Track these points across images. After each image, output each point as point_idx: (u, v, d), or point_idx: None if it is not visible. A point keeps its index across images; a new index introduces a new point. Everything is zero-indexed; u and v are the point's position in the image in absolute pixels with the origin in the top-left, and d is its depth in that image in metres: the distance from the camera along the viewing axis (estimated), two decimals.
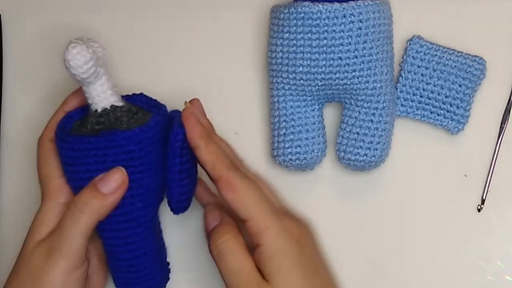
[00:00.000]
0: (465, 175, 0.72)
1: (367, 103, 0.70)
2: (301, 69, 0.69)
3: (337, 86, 0.69)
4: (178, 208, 0.66)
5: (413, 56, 0.72)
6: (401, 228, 0.72)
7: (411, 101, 0.72)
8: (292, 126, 0.70)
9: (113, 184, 0.64)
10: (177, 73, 0.75)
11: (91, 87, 0.64)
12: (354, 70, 0.68)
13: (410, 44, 0.72)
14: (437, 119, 0.72)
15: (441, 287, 0.72)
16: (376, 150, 0.70)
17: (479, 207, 0.72)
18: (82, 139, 0.64)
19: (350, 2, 0.68)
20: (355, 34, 0.68)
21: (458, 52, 0.72)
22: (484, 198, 0.72)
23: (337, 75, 0.68)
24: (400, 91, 0.72)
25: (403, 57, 0.72)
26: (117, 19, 0.75)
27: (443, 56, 0.72)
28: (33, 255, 0.65)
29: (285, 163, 0.70)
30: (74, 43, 0.62)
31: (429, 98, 0.71)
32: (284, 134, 0.70)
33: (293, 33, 0.69)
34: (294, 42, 0.69)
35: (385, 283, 0.72)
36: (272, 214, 0.64)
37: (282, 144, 0.70)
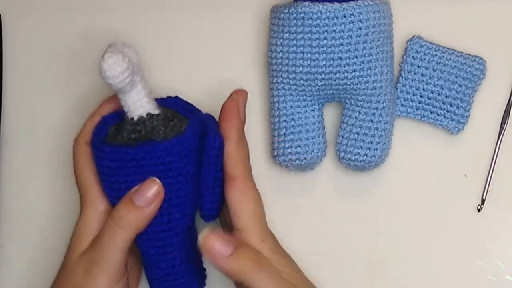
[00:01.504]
0: (465, 175, 0.72)
1: (367, 103, 0.70)
2: (301, 69, 0.69)
3: (337, 86, 0.69)
4: (210, 215, 0.66)
5: (413, 56, 0.72)
6: (401, 228, 0.72)
7: (411, 101, 0.72)
8: (292, 126, 0.70)
9: (148, 196, 0.63)
10: (177, 73, 0.75)
11: (127, 95, 0.63)
12: (354, 70, 0.68)
13: (410, 44, 0.72)
14: (437, 119, 0.72)
15: (441, 287, 0.72)
16: (376, 150, 0.70)
17: (479, 207, 0.72)
18: (120, 150, 0.63)
19: (350, 2, 0.68)
20: (355, 34, 0.68)
21: (458, 52, 0.72)
22: (484, 198, 0.72)
23: (337, 75, 0.68)
24: (400, 91, 0.72)
25: (403, 57, 0.72)
26: (116, 19, 0.75)
27: (443, 56, 0.72)
28: (75, 269, 0.64)
29: (285, 163, 0.70)
30: (110, 52, 0.60)
31: (429, 98, 0.71)
32: (284, 134, 0.70)
33: (293, 33, 0.69)
34: (294, 42, 0.69)
35: (385, 283, 0.72)
36: (268, 231, 0.65)
37: (282, 144, 0.70)
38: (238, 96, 0.67)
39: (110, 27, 0.75)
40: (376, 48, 0.69)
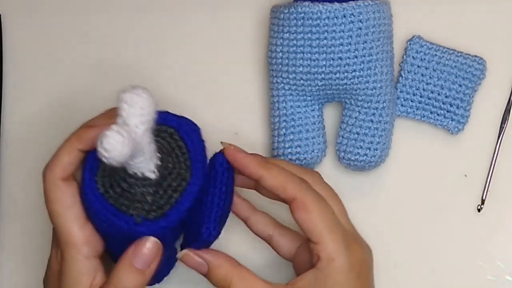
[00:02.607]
0: (465, 175, 0.72)
1: (367, 103, 0.70)
2: (301, 69, 0.69)
3: (337, 86, 0.69)
4: (209, 242, 0.63)
5: (413, 56, 0.72)
6: (401, 228, 0.72)
7: (411, 101, 0.72)
8: (292, 126, 0.70)
9: (148, 257, 0.60)
10: (176, 73, 0.75)
11: (132, 167, 0.59)
12: (354, 70, 0.68)
13: (410, 44, 0.72)
14: (437, 119, 0.72)
15: (441, 287, 0.72)
16: (376, 150, 0.70)
17: (479, 207, 0.72)
18: (106, 215, 0.59)
19: (350, 2, 0.68)
20: (355, 34, 0.68)
21: (458, 52, 0.72)
22: (484, 198, 0.72)
23: (337, 75, 0.68)
24: (400, 91, 0.72)
25: (403, 57, 0.72)
26: (116, 20, 0.75)
27: (443, 56, 0.72)
28: None
29: None
30: (109, 136, 0.54)
31: (429, 98, 0.71)
32: (284, 134, 0.70)
33: (293, 33, 0.69)
34: (294, 42, 0.69)
35: (385, 283, 0.71)
36: (342, 242, 0.63)
37: (282, 144, 0.70)
38: (229, 148, 0.64)
39: (109, 27, 0.75)
40: (376, 48, 0.69)
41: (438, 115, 0.72)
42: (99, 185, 0.60)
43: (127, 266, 0.60)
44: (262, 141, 0.73)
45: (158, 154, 0.60)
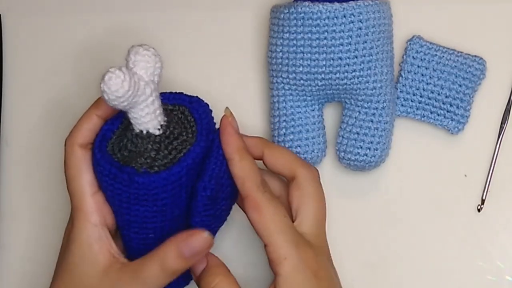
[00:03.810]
0: (465, 175, 0.72)
1: (367, 103, 0.70)
2: (301, 69, 0.69)
3: (337, 86, 0.69)
4: (205, 197, 0.63)
5: (413, 56, 0.72)
6: (401, 228, 0.72)
7: (411, 101, 0.72)
8: (292, 126, 0.70)
9: (198, 250, 0.61)
10: (176, 73, 0.75)
11: (130, 110, 0.60)
12: (354, 70, 0.68)
13: (410, 44, 0.72)
14: (437, 119, 0.72)
15: (441, 287, 0.72)
16: (376, 150, 0.70)
17: (479, 207, 0.72)
18: (110, 169, 0.61)
19: (350, 2, 0.68)
20: (355, 34, 0.68)
21: (458, 52, 0.72)
22: (484, 198, 0.72)
23: (337, 75, 0.68)
24: (400, 91, 0.72)
25: (403, 57, 0.72)
26: (116, 19, 0.75)
27: (443, 56, 0.72)
28: (120, 282, 0.62)
29: None
30: (111, 73, 0.57)
31: (429, 98, 0.71)
32: (284, 134, 0.70)
33: (293, 33, 0.69)
34: (294, 42, 0.69)
35: (385, 283, 0.72)
36: (293, 243, 0.63)
37: (282, 144, 0.70)
38: (227, 118, 0.65)
39: (109, 27, 0.75)
40: (376, 48, 0.69)
41: (438, 115, 0.72)
42: (109, 148, 0.62)
43: (175, 248, 0.61)
44: None
45: (165, 118, 0.62)
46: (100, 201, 0.63)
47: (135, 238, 0.64)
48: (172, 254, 0.61)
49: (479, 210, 0.72)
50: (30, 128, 0.75)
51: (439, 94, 0.71)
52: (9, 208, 0.74)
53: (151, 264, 0.61)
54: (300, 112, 0.71)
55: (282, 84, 0.70)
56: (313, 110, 0.71)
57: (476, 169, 0.72)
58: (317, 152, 0.71)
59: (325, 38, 0.68)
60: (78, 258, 0.63)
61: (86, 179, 0.63)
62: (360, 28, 0.68)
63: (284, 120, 0.71)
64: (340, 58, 0.68)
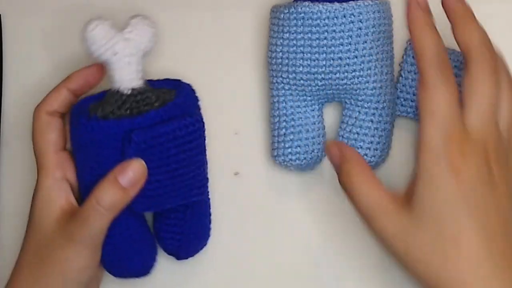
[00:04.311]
0: None
1: (367, 103, 0.70)
2: (301, 69, 0.69)
3: (337, 86, 0.69)
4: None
5: (413, 56, 0.72)
6: None
7: (411, 101, 0.72)
8: (292, 126, 0.70)
9: (134, 177, 0.63)
10: (176, 72, 0.75)
11: (116, 66, 0.64)
12: (354, 70, 0.68)
13: (410, 44, 0.72)
14: None
15: None
16: (376, 150, 0.70)
17: None
18: (120, 122, 0.63)
19: (350, 2, 0.68)
20: (355, 34, 0.68)
21: (458, 52, 0.72)
22: None
23: (337, 75, 0.68)
24: (400, 91, 0.72)
25: (403, 57, 0.72)
26: (115, 19, 0.75)
27: None
28: (54, 241, 0.65)
29: (285, 163, 0.70)
30: (92, 19, 0.64)
31: None
32: (284, 134, 0.70)
33: (293, 33, 0.69)
34: (294, 42, 0.69)
35: (385, 283, 0.72)
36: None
37: (282, 144, 0.70)
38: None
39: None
40: (376, 48, 0.69)
41: None
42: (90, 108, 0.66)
43: (112, 181, 0.63)
44: (262, 141, 0.73)
45: (144, 87, 0.65)
46: (63, 158, 0.67)
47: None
48: (109, 186, 0.63)
49: None
50: (30, 128, 0.75)
51: None
52: (9, 208, 0.74)
53: (89, 201, 0.63)
54: (300, 112, 0.71)
55: (282, 84, 0.70)
56: (313, 110, 0.71)
57: None
58: (317, 152, 0.71)
59: (325, 38, 0.68)
60: (38, 207, 0.66)
61: (49, 139, 0.67)
62: (360, 28, 0.68)
63: (284, 120, 0.71)
64: (340, 58, 0.68)
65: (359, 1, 0.68)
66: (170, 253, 0.70)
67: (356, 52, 0.68)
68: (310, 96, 0.71)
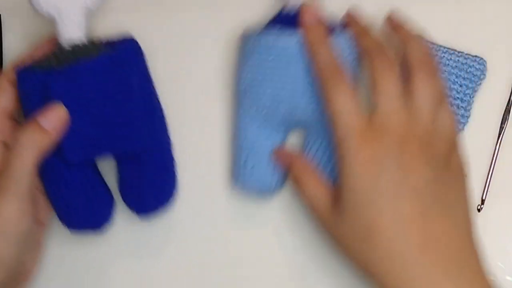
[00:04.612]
0: (465, 175, 0.72)
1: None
2: (265, 97, 0.68)
3: (301, 115, 0.68)
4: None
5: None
6: None
7: None
8: (253, 154, 0.69)
9: (54, 120, 0.65)
10: (174, 72, 0.75)
11: (59, 22, 0.67)
12: (318, 100, 0.67)
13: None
14: None
15: None
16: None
17: (479, 207, 0.72)
18: (42, 73, 0.65)
19: None
20: None
21: (458, 52, 0.72)
22: (484, 198, 0.72)
23: (301, 105, 0.67)
24: None
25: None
26: (114, 20, 0.75)
27: (443, 56, 0.72)
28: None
29: (244, 190, 0.70)
30: None
31: None
32: (245, 161, 0.70)
33: (258, 62, 0.68)
34: (259, 70, 0.68)
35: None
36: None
37: (242, 171, 0.70)
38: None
39: (108, 27, 0.75)
40: None
41: None
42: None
43: (31, 123, 0.65)
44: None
45: (86, 45, 0.68)
46: (5, 125, 0.68)
47: None
48: (31, 129, 0.65)
49: (479, 210, 0.72)
50: None
51: None
52: None
53: (12, 147, 0.65)
54: (261, 139, 0.69)
55: (246, 111, 0.69)
56: (276, 138, 0.70)
57: (476, 169, 0.72)
58: (275, 184, 0.70)
59: (290, 68, 0.67)
60: None
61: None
62: None
63: (246, 147, 0.70)
64: (305, 88, 0.67)
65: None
66: (129, 207, 0.69)
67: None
68: (274, 125, 0.69)
